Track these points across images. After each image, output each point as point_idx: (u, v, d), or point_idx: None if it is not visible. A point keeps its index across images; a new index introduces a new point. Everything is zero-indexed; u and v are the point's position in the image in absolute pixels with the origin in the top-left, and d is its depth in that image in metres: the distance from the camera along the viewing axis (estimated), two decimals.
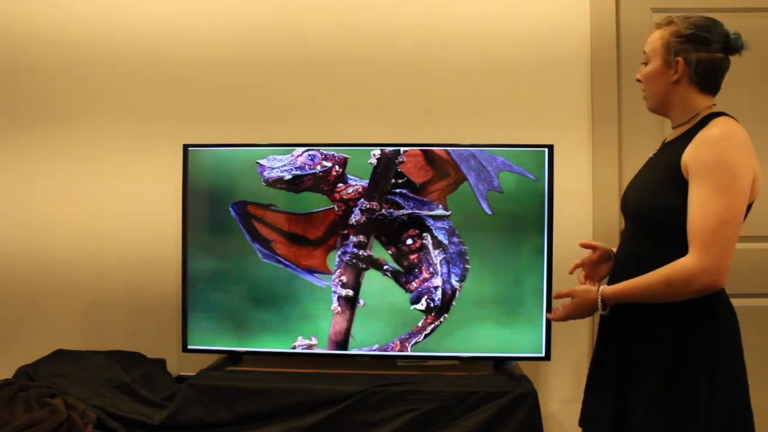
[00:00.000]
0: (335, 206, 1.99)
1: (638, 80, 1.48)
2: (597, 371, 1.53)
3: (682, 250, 1.31)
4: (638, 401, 1.37)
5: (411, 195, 1.97)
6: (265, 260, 2.00)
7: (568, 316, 1.50)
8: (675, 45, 1.37)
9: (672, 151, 1.39)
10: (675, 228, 1.32)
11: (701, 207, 1.27)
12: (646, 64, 1.44)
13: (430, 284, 1.97)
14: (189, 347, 2.03)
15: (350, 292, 1.98)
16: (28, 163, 2.28)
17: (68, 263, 2.27)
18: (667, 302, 1.33)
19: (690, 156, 1.31)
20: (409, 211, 1.97)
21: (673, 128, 1.47)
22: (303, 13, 2.23)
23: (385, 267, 1.98)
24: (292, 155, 1.99)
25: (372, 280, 1.98)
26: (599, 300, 1.40)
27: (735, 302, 1.38)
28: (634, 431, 1.37)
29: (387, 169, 1.97)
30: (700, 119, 1.38)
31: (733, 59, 1.39)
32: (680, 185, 1.32)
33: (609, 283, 1.49)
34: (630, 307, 1.40)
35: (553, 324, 1.94)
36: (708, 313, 1.33)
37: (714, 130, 1.31)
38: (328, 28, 2.23)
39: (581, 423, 1.58)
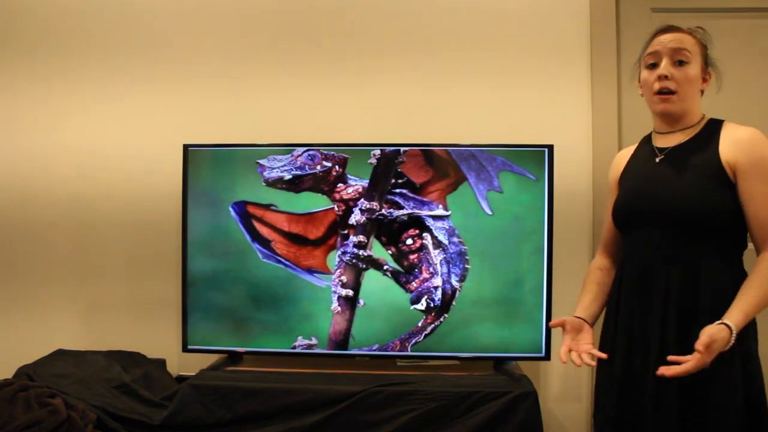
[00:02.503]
0: (335, 206, 1.99)
1: (665, 77, 1.40)
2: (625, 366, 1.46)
3: (729, 252, 1.37)
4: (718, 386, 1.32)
5: (411, 195, 1.97)
6: (265, 260, 2.00)
7: (700, 364, 1.22)
8: (706, 56, 1.44)
9: (700, 154, 1.39)
10: (727, 229, 1.36)
11: None
12: (681, 62, 1.40)
13: (430, 284, 1.97)
14: (189, 347, 2.03)
15: (350, 292, 1.98)
16: (25, 163, 2.28)
17: (68, 263, 2.27)
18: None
19: (735, 155, 1.34)
20: (409, 211, 1.97)
21: (664, 133, 1.47)
22: (301, 11, 2.24)
23: (385, 267, 1.98)
24: (292, 155, 1.99)
25: (372, 280, 1.98)
26: (732, 333, 1.24)
27: None
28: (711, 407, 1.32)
29: (387, 169, 1.97)
30: (705, 124, 1.43)
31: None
32: (730, 187, 1.35)
33: (621, 297, 1.48)
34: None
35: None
36: None
37: (745, 130, 1.37)
38: (327, 29, 2.23)
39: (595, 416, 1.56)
